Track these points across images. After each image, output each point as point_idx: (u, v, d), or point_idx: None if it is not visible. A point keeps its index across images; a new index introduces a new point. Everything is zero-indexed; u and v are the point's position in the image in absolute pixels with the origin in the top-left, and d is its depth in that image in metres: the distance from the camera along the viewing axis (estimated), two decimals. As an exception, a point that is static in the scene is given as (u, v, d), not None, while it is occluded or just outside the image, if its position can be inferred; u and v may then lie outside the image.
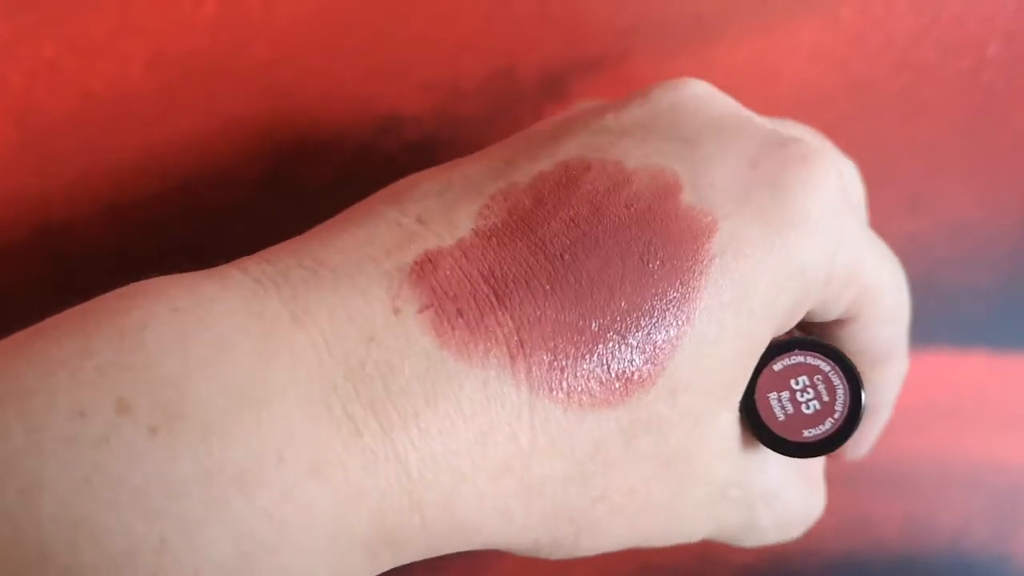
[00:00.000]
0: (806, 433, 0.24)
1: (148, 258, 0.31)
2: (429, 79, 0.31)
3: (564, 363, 0.22)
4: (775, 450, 0.24)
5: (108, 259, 0.30)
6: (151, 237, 0.30)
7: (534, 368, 0.21)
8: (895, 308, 0.27)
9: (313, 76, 0.31)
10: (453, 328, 0.21)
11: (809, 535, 0.35)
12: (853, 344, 0.27)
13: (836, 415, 0.24)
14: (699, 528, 0.25)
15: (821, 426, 0.24)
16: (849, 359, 0.24)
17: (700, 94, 0.25)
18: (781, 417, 0.24)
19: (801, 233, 0.23)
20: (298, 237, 0.23)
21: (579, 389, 0.22)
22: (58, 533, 0.18)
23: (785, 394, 0.24)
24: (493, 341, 0.21)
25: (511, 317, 0.22)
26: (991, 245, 0.36)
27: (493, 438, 0.21)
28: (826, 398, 0.24)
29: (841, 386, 0.24)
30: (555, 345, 0.22)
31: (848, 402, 0.24)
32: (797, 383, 0.24)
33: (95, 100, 0.30)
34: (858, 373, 0.24)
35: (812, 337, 0.24)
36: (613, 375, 0.22)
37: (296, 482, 0.19)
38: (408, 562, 0.22)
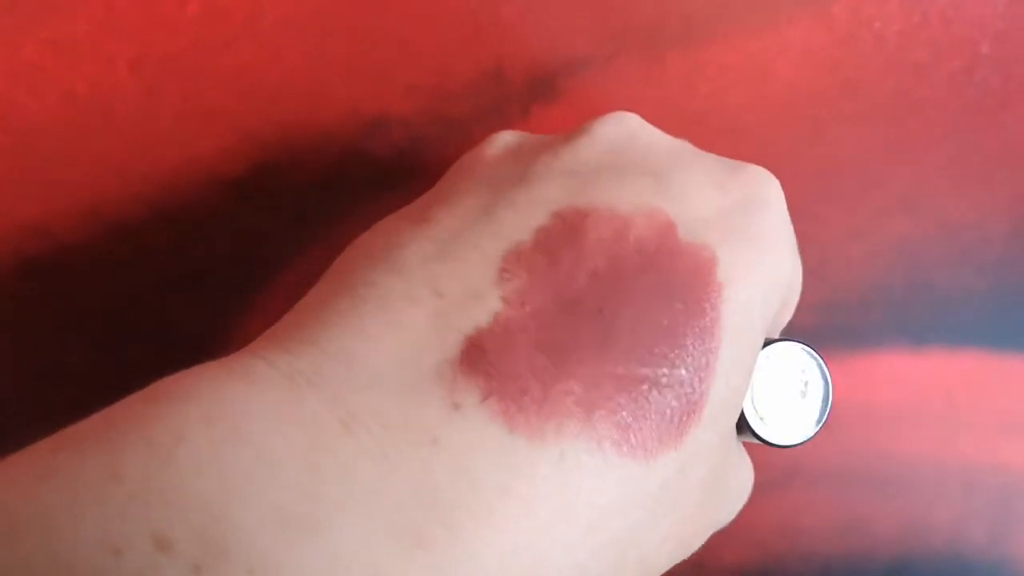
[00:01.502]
0: (793, 425, 0.26)
1: (128, 261, 0.30)
2: (416, 80, 0.31)
3: (629, 417, 0.21)
4: (772, 446, 0.25)
5: (86, 262, 0.30)
6: (132, 240, 0.30)
7: (604, 429, 0.21)
8: (797, 296, 0.29)
9: (298, 78, 0.30)
10: (522, 409, 0.20)
11: (805, 536, 0.35)
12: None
13: (815, 403, 0.26)
14: (707, 534, 0.26)
15: (803, 416, 0.26)
16: (817, 352, 0.26)
17: (640, 128, 0.26)
18: (772, 416, 0.26)
19: (776, 247, 0.25)
20: (302, 313, 0.22)
21: (646, 439, 0.21)
22: None
23: (774, 394, 0.26)
24: (564, 412, 0.20)
25: (575, 383, 0.21)
26: (983, 246, 0.36)
27: (572, 509, 0.20)
28: (805, 390, 0.26)
29: (815, 377, 0.26)
30: (619, 401, 0.21)
31: (822, 389, 0.26)
32: (781, 382, 0.26)
33: (77, 101, 0.29)
34: (824, 363, 0.26)
35: (784, 338, 0.26)
36: (671, 418, 0.22)
37: None
38: None
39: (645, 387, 0.21)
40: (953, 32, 0.34)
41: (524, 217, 0.23)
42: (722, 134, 0.33)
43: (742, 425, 0.25)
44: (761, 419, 0.25)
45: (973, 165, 0.35)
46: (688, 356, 0.22)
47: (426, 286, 0.21)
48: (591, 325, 0.22)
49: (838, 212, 0.35)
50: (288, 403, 0.19)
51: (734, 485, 0.26)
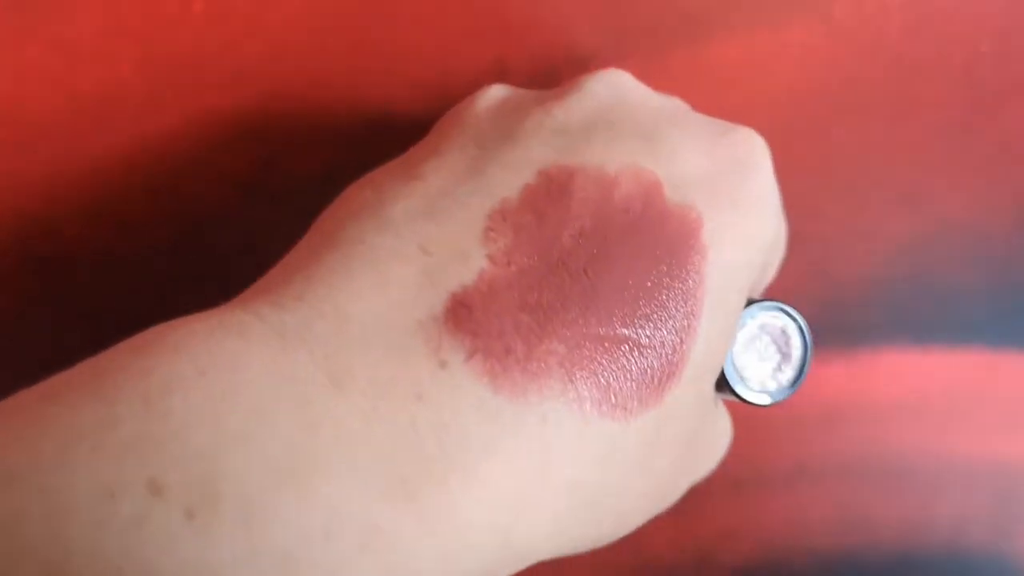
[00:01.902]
0: (772, 384, 0.26)
1: (132, 259, 0.30)
2: (419, 76, 0.31)
3: (610, 377, 0.21)
4: (751, 404, 0.26)
5: (91, 259, 0.30)
6: (136, 237, 0.30)
7: (585, 390, 0.21)
8: (781, 257, 0.29)
9: (302, 75, 0.30)
10: (506, 368, 0.20)
11: (807, 533, 0.35)
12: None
13: (793, 362, 0.26)
14: (683, 489, 0.26)
15: (782, 375, 0.26)
16: (797, 313, 0.26)
17: (632, 86, 0.26)
18: (753, 375, 0.26)
19: (761, 212, 0.25)
20: (291, 268, 0.22)
21: (626, 398, 0.22)
22: None
23: (754, 354, 0.26)
24: (547, 373, 0.21)
25: (559, 343, 0.21)
26: (985, 243, 0.36)
27: (553, 467, 0.21)
28: (785, 350, 0.26)
29: (795, 337, 0.26)
30: (601, 361, 0.21)
31: (801, 349, 0.26)
32: (761, 342, 0.26)
33: (82, 100, 0.29)
34: (805, 323, 0.26)
35: (766, 300, 0.26)
36: (653, 378, 0.22)
37: (345, 559, 0.18)
38: None
39: (626, 348, 0.22)
40: (953, 30, 0.34)
41: (511, 175, 0.23)
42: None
43: (721, 382, 0.26)
44: (740, 378, 0.26)
45: (974, 162, 0.35)
46: (670, 318, 0.22)
47: (414, 243, 0.22)
48: (576, 286, 0.22)
49: (839, 210, 0.35)
50: (279, 359, 0.19)
51: (711, 440, 0.27)
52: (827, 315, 0.35)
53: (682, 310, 0.22)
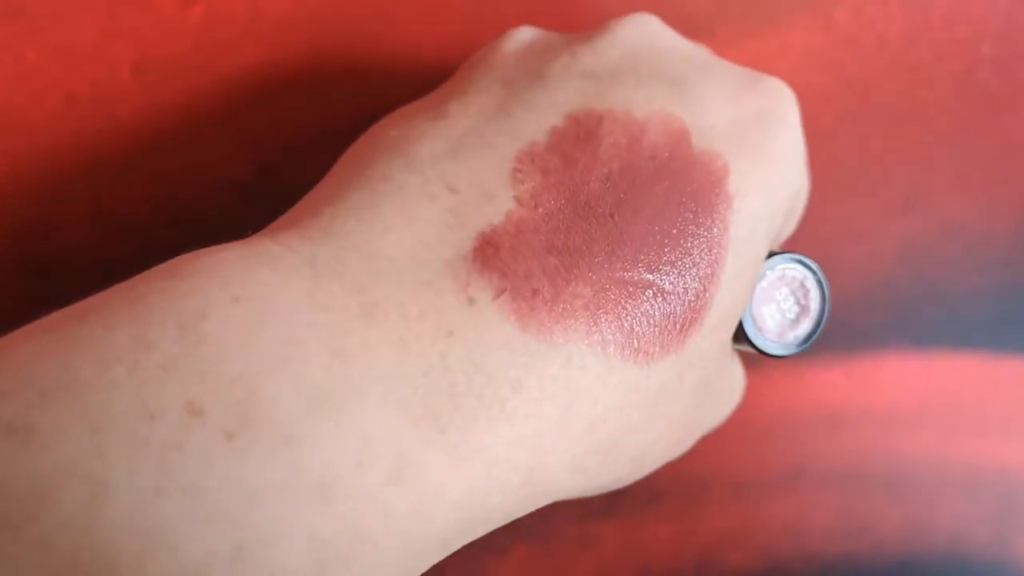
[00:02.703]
0: (791, 336, 0.26)
1: (132, 262, 0.29)
2: (417, 79, 0.31)
3: (633, 322, 0.21)
4: (769, 355, 0.26)
5: (91, 263, 0.30)
6: (135, 242, 0.30)
7: (609, 334, 0.21)
8: (802, 209, 0.29)
9: (300, 79, 0.30)
10: (533, 309, 0.21)
11: (808, 537, 0.35)
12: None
13: (812, 315, 0.26)
14: (696, 437, 0.26)
15: (800, 327, 0.26)
16: (816, 265, 0.26)
17: (661, 31, 0.26)
18: (773, 327, 0.26)
19: (787, 164, 0.24)
20: (319, 203, 0.22)
21: (649, 343, 0.22)
22: (127, 543, 0.16)
23: (773, 306, 0.26)
24: (572, 315, 0.21)
25: (585, 286, 0.21)
26: (986, 247, 0.36)
27: (576, 408, 0.21)
28: (803, 302, 0.26)
29: (814, 289, 0.26)
30: (625, 305, 0.21)
31: (819, 302, 0.26)
32: (780, 294, 0.26)
33: (79, 103, 0.29)
34: (823, 276, 0.26)
35: (787, 252, 0.26)
36: (674, 323, 0.22)
37: (376, 489, 0.18)
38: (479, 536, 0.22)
39: (651, 293, 0.22)
40: (955, 33, 0.34)
41: (539, 117, 0.23)
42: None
43: (739, 333, 0.26)
44: (758, 328, 0.26)
45: (976, 165, 0.35)
46: (695, 265, 0.22)
47: (441, 182, 0.22)
48: (602, 229, 0.22)
49: (840, 213, 0.35)
50: (312, 289, 0.19)
51: (725, 390, 0.27)
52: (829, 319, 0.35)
53: (707, 257, 0.22)
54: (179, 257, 0.20)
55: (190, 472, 0.17)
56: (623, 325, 0.21)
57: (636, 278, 0.22)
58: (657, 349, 0.22)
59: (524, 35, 0.26)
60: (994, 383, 0.36)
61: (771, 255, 0.26)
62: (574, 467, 0.22)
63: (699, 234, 0.22)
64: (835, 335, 0.35)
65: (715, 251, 0.23)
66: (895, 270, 0.35)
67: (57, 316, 0.19)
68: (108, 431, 0.17)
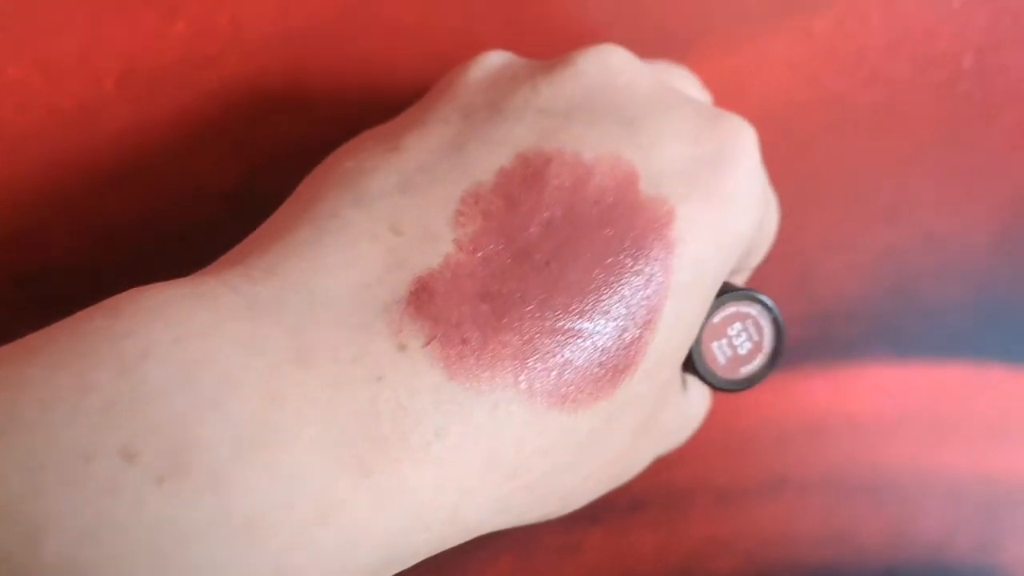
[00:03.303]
0: (742, 371, 0.26)
1: (119, 273, 0.30)
2: (399, 95, 0.31)
3: (563, 371, 0.22)
4: (719, 389, 0.26)
5: (78, 273, 0.30)
6: (120, 255, 0.30)
7: (537, 381, 0.21)
8: (771, 241, 0.29)
9: (285, 92, 0.30)
10: (461, 357, 0.21)
11: (792, 545, 0.35)
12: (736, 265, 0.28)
13: (765, 350, 0.26)
14: (644, 464, 0.27)
15: (754, 362, 0.26)
16: (772, 303, 0.26)
17: (625, 66, 0.25)
18: (723, 362, 0.26)
19: (741, 207, 0.24)
20: (268, 237, 0.22)
21: (578, 391, 0.22)
22: None
23: (724, 341, 0.26)
24: (500, 364, 0.21)
25: (514, 336, 0.21)
26: (967, 257, 0.36)
27: (501, 453, 0.21)
28: (756, 338, 0.26)
29: (767, 325, 0.26)
30: (555, 355, 0.22)
31: (773, 337, 0.26)
32: (733, 330, 0.26)
33: (63, 117, 0.29)
34: (779, 313, 0.26)
35: (742, 289, 0.26)
36: (605, 371, 0.22)
37: (305, 528, 0.19)
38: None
39: (582, 341, 0.22)
40: (936, 46, 0.34)
41: (490, 155, 0.23)
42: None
43: (690, 366, 0.26)
44: (708, 364, 0.26)
45: (957, 176, 0.35)
46: (631, 312, 0.22)
47: (385, 222, 0.22)
48: (538, 277, 0.22)
49: (820, 224, 0.35)
50: (249, 331, 0.20)
51: (674, 423, 0.27)
52: (810, 328, 0.35)
53: (644, 304, 0.22)
54: (123, 294, 0.20)
55: (123, 514, 0.17)
56: (551, 373, 0.22)
57: (568, 326, 0.22)
58: (585, 396, 0.22)
59: (492, 61, 0.26)
60: (976, 391, 0.37)
61: (727, 291, 0.26)
62: (499, 507, 0.22)
63: (637, 282, 0.23)
64: (817, 345, 0.35)
65: (654, 298, 0.23)
66: (876, 280, 0.35)
67: (3, 352, 0.19)
68: (46, 472, 0.17)
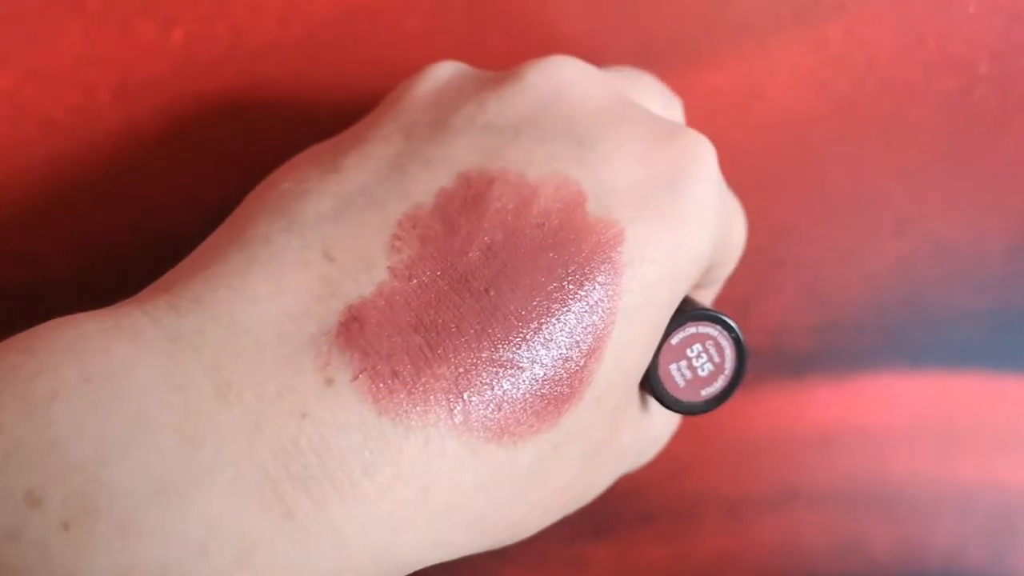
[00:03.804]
0: (703, 392, 0.25)
1: (110, 285, 0.29)
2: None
3: (501, 403, 0.21)
4: (679, 412, 0.25)
5: (69, 286, 0.29)
6: (113, 266, 0.30)
7: (473, 414, 0.20)
8: (739, 253, 0.28)
9: (283, 103, 0.30)
10: (391, 392, 0.20)
11: (802, 558, 0.35)
12: (700, 280, 0.27)
13: (726, 372, 0.25)
14: (604, 486, 0.26)
15: (715, 384, 0.25)
16: (733, 324, 0.25)
17: (577, 79, 0.24)
18: (682, 384, 0.25)
19: (695, 226, 0.23)
20: (199, 264, 0.22)
21: (517, 423, 0.21)
22: None
23: (684, 363, 0.25)
24: (432, 398, 0.20)
25: (448, 368, 0.20)
26: (979, 267, 0.35)
27: (434, 489, 0.20)
28: (717, 360, 0.25)
29: (728, 346, 0.25)
30: (492, 387, 0.21)
31: (735, 359, 0.25)
32: (692, 351, 0.25)
33: (57, 128, 0.29)
34: (741, 334, 0.25)
35: (701, 309, 0.25)
36: (547, 403, 0.21)
37: (221, 574, 0.18)
38: None
39: (522, 372, 0.21)
40: (949, 53, 0.33)
41: (431, 176, 0.22)
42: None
43: (651, 389, 0.25)
44: (665, 385, 0.25)
45: (968, 185, 0.35)
46: (574, 341, 0.22)
47: (318, 248, 0.21)
48: (475, 306, 0.21)
49: (832, 233, 0.34)
50: (168, 367, 0.19)
51: (632, 443, 0.26)
52: (821, 340, 0.35)
53: (589, 331, 0.22)
54: (41, 327, 0.20)
55: (27, 562, 0.17)
56: (488, 407, 0.21)
57: (506, 357, 0.21)
58: (525, 429, 0.21)
59: (440, 74, 0.25)
60: (988, 402, 0.36)
61: (687, 312, 0.25)
62: (436, 542, 0.21)
63: (581, 308, 0.22)
64: (828, 356, 0.35)
65: (599, 325, 0.22)
66: (888, 290, 0.35)
67: None
68: None
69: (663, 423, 0.28)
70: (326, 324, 0.20)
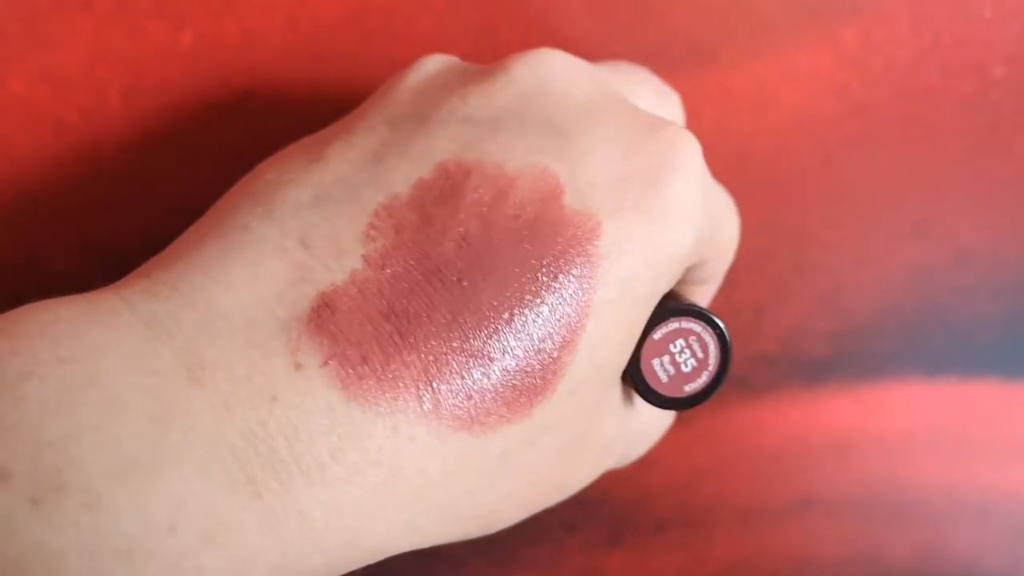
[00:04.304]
0: (687, 388, 0.25)
1: None
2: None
3: (471, 391, 0.21)
4: (662, 407, 0.25)
5: (75, 291, 0.29)
6: (122, 271, 0.29)
7: (443, 402, 0.21)
8: (733, 249, 0.28)
9: (292, 106, 0.30)
10: (360, 378, 0.20)
11: (817, 567, 0.35)
12: (693, 276, 0.27)
13: (710, 368, 0.25)
14: (586, 481, 0.26)
15: (699, 380, 0.25)
16: (717, 319, 0.25)
17: (563, 72, 0.24)
18: (664, 379, 0.25)
19: (676, 222, 0.23)
20: (180, 251, 0.22)
21: (487, 413, 0.21)
22: None
23: (666, 358, 0.25)
24: (401, 385, 0.20)
25: (418, 356, 0.21)
26: (998, 272, 0.35)
27: (403, 476, 0.20)
28: (701, 355, 0.25)
29: (712, 342, 0.25)
30: (462, 376, 0.21)
31: (719, 355, 0.25)
32: (675, 347, 0.25)
33: (67, 131, 0.29)
34: (725, 330, 0.25)
35: (684, 304, 0.25)
36: (519, 394, 0.22)
37: (188, 552, 0.18)
38: None
39: (492, 362, 0.21)
40: (966, 56, 0.33)
41: (409, 167, 0.22)
42: (728, 159, 0.32)
43: (633, 383, 0.25)
44: (647, 380, 0.25)
45: (986, 190, 0.34)
46: (548, 331, 0.22)
47: (296, 236, 0.21)
48: (447, 295, 0.21)
49: (848, 238, 0.34)
50: (141, 349, 0.19)
51: (616, 438, 0.26)
52: (837, 346, 0.34)
53: (563, 324, 0.22)
54: (20, 309, 0.20)
55: None
56: (457, 396, 0.21)
57: (477, 347, 0.21)
58: (495, 420, 0.21)
59: (429, 67, 0.25)
60: (1006, 410, 0.36)
61: (669, 307, 0.25)
62: (407, 528, 0.21)
63: (556, 300, 0.22)
64: (844, 362, 0.35)
65: (573, 317, 0.22)
66: (904, 296, 0.34)
67: None
68: None
69: (651, 418, 0.28)
70: (298, 310, 0.20)
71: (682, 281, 0.27)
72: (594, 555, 0.34)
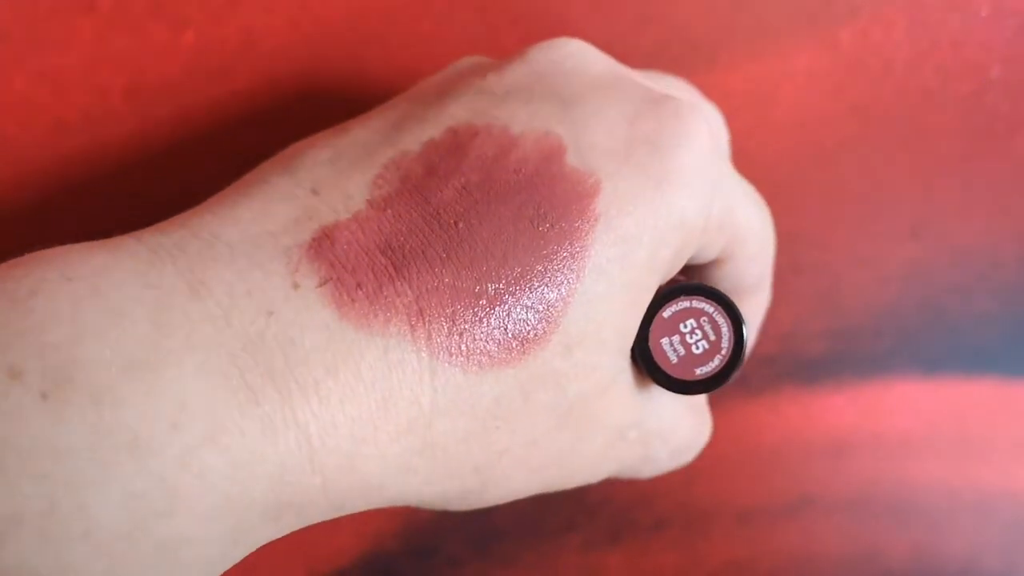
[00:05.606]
0: (698, 371, 0.25)
1: None
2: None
3: (463, 327, 0.22)
4: (671, 390, 0.25)
5: None
6: None
7: (434, 334, 0.21)
8: (762, 247, 0.28)
9: (293, 106, 0.30)
10: (353, 300, 0.21)
11: (816, 566, 0.34)
12: (727, 281, 0.27)
13: (723, 352, 0.25)
14: (601, 470, 0.26)
15: (711, 363, 0.25)
16: (730, 299, 0.25)
17: (576, 53, 0.25)
18: (674, 359, 0.25)
19: (679, 187, 0.23)
20: (192, 209, 0.23)
21: (478, 351, 0.22)
22: None
23: (676, 338, 0.25)
24: (393, 311, 0.21)
25: (410, 287, 0.21)
26: (996, 271, 0.35)
27: (395, 402, 0.21)
28: (713, 337, 0.25)
29: (725, 325, 0.25)
30: (453, 311, 0.21)
31: (732, 339, 0.25)
32: (686, 326, 0.25)
33: (68, 129, 0.29)
34: (739, 312, 0.25)
35: (695, 283, 0.25)
36: (510, 336, 0.22)
37: (191, 449, 0.19)
38: (314, 522, 0.22)
39: (484, 302, 0.22)
40: (963, 57, 0.33)
41: (422, 130, 0.23)
42: (727, 159, 0.32)
43: (642, 359, 0.25)
44: (659, 359, 0.25)
45: (984, 189, 0.34)
46: (541, 282, 0.22)
47: (308, 185, 0.22)
48: (443, 235, 0.22)
49: (846, 238, 0.34)
50: (145, 270, 0.20)
51: (622, 422, 0.25)
52: (835, 346, 0.34)
53: (556, 276, 0.22)
54: (30, 253, 0.21)
55: (4, 428, 0.18)
56: (448, 331, 0.21)
57: (469, 286, 0.22)
58: (487, 359, 0.22)
59: (464, 63, 0.26)
60: (1004, 408, 0.36)
61: (680, 284, 0.25)
62: (401, 465, 0.22)
63: (550, 251, 0.22)
64: (842, 361, 0.35)
65: (567, 271, 0.22)
66: (902, 295, 0.34)
67: None
68: None
69: (674, 419, 0.27)
70: (300, 239, 0.21)
71: (711, 278, 0.27)
72: (594, 554, 0.34)
